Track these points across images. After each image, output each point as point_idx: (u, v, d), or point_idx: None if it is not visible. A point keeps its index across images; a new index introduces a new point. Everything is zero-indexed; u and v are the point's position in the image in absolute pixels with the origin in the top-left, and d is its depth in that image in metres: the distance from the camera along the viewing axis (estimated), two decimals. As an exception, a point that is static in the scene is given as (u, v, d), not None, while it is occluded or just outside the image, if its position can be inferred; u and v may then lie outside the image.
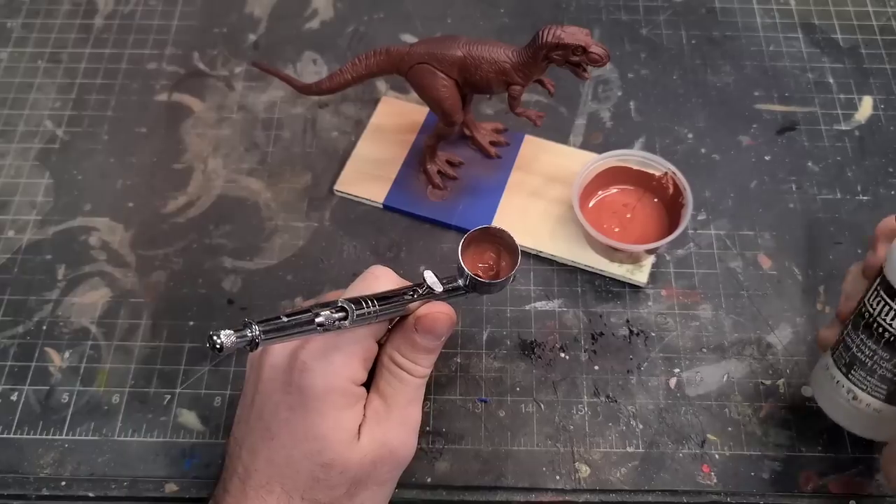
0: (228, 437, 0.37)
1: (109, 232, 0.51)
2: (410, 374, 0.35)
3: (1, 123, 0.56)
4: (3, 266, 0.50)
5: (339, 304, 0.31)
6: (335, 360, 0.33)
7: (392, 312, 0.34)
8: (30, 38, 0.61)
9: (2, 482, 0.42)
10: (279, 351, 0.34)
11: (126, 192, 0.53)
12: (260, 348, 0.28)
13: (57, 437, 0.44)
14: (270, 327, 0.28)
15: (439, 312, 0.35)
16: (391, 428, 0.34)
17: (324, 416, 0.33)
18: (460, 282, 0.36)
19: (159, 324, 0.47)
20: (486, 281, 0.36)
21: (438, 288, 0.35)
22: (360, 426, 0.34)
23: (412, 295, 0.34)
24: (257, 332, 0.27)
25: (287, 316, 0.29)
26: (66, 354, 0.46)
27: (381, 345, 0.36)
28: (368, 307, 0.32)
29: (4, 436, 0.44)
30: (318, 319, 0.30)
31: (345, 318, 0.31)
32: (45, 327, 0.47)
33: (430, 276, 0.35)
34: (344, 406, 0.33)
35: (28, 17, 0.62)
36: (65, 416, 0.44)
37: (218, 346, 0.26)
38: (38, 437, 0.44)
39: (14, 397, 0.45)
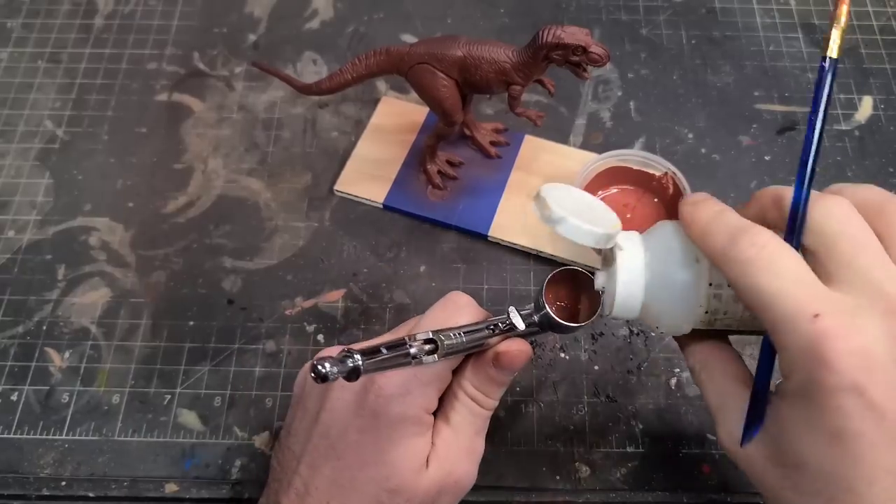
0: (276, 445, 0.36)
1: (109, 232, 0.51)
2: (481, 406, 0.35)
3: (1, 123, 0.56)
4: (3, 266, 0.50)
5: (431, 337, 0.31)
6: (413, 388, 0.33)
7: (474, 348, 0.34)
8: (30, 38, 0.61)
9: (2, 482, 0.42)
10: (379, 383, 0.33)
11: (126, 192, 0.53)
12: (361, 378, 0.27)
13: (57, 437, 0.44)
14: (372, 358, 0.28)
15: (519, 351, 0.34)
16: (458, 458, 0.34)
17: (395, 443, 0.32)
18: (536, 318, 0.35)
19: (159, 324, 0.47)
20: (567, 324, 0.35)
21: (521, 326, 0.34)
22: (428, 454, 0.34)
23: (493, 330, 0.34)
24: (360, 363, 0.27)
25: (386, 348, 0.29)
26: (66, 354, 0.46)
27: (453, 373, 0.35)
28: (456, 344, 0.32)
29: (4, 436, 0.44)
30: (411, 351, 0.30)
31: (434, 352, 0.31)
32: (45, 327, 0.47)
33: (514, 314, 0.35)
34: (415, 434, 0.33)
35: (28, 17, 0.62)
36: (65, 416, 0.44)
37: (324, 376, 0.26)
38: (38, 437, 0.44)
39: (14, 397, 0.45)
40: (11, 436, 0.44)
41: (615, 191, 0.51)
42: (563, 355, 0.46)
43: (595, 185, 0.50)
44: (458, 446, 0.34)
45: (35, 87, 0.58)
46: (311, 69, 0.59)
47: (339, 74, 0.47)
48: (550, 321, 0.34)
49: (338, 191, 0.52)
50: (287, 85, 0.50)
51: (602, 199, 0.50)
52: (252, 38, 0.61)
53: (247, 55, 0.60)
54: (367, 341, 0.31)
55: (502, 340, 0.34)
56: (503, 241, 0.50)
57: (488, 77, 0.44)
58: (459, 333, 0.32)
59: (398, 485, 0.32)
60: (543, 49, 0.42)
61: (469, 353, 0.34)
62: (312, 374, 0.26)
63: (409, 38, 0.60)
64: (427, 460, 0.33)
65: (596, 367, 0.46)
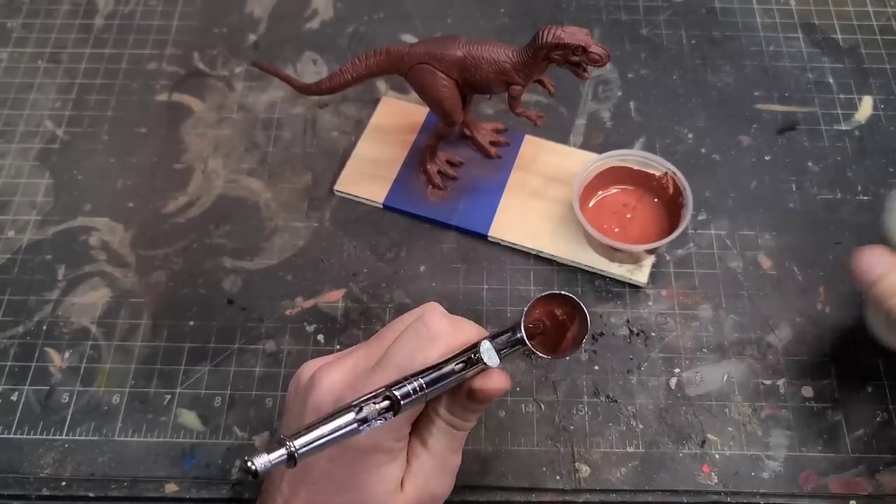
0: None
1: (109, 232, 0.51)
2: (457, 430, 0.35)
3: (1, 123, 0.56)
4: (3, 266, 0.50)
5: (388, 394, 0.29)
6: (385, 422, 0.31)
7: (442, 390, 0.32)
8: (30, 38, 0.61)
9: (2, 482, 0.42)
10: (325, 396, 0.33)
11: (126, 192, 0.53)
12: (299, 462, 0.26)
13: (57, 437, 0.44)
14: (307, 440, 0.26)
15: (496, 389, 0.33)
16: (435, 476, 0.34)
17: (368, 471, 0.32)
18: (513, 338, 0.33)
19: (159, 324, 0.47)
20: (541, 355, 0.34)
21: (495, 362, 0.32)
22: (402, 476, 0.34)
23: (464, 366, 0.32)
24: (294, 448, 0.26)
25: (326, 420, 0.27)
26: (67, 354, 0.46)
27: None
28: (417, 393, 0.30)
29: (4, 436, 0.44)
30: (360, 415, 0.28)
31: (389, 410, 0.29)
32: (45, 327, 0.47)
33: (486, 351, 0.32)
34: (387, 462, 0.33)
35: (28, 17, 0.62)
36: (65, 416, 0.44)
37: (254, 473, 0.25)
38: (38, 437, 0.44)
39: (14, 397, 0.45)
40: (11, 436, 0.44)
41: (615, 191, 0.50)
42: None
43: (595, 185, 0.50)
44: (435, 467, 0.34)
45: (35, 87, 0.58)
46: (311, 69, 0.59)
47: (339, 74, 0.47)
48: (525, 350, 0.33)
49: (338, 191, 0.52)
50: (287, 85, 0.50)
51: (602, 199, 0.50)
52: (252, 38, 0.61)
53: (247, 55, 0.60)
54: (308, 422, 0.28)
55: (478, 372, 0.33)
56: (503, 241, 0.50)
57: (488, 77, 0.44)
58: (421, 386, 0.30)
59: None
60: (543, 49, 0.42)
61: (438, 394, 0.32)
62: (242, 470, 0.25)
63: (409, 38, 0.60)
64: (402, 481, 0.33)
65: (596, 367, 0.46)
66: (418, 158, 0.52)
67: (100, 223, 0.52)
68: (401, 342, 0.33)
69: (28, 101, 0.58)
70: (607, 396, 0.45)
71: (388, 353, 0.33)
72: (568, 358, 0.34)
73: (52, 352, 0.47)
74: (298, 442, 0.26)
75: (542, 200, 0.51)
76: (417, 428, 0.35)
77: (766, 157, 0.53)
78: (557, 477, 0.42)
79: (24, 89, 0.58)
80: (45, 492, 0.42)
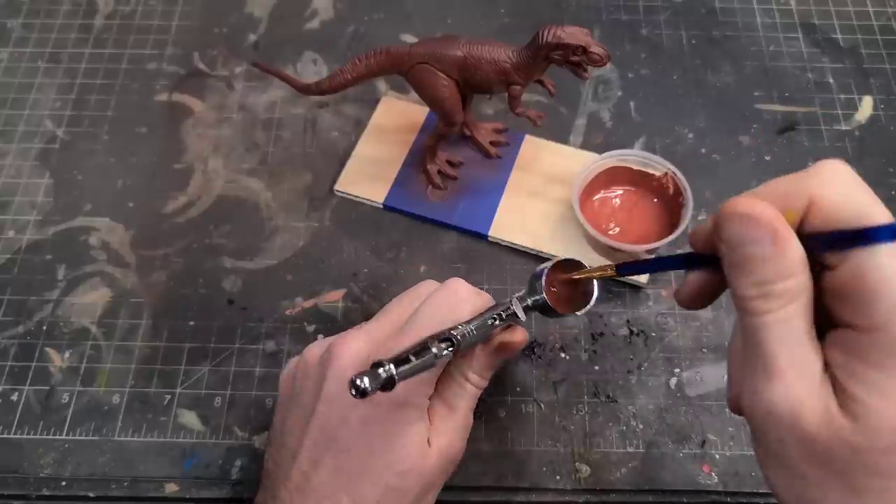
0: (268, 446, 0.37)
1: (109, 232, 0.51)
2: (476, 387, 0.37)
3: (1, 123, 0.56)
4: (3, 266, 0.50)
5: (449, 337, 0.32)
6: (413, 379, 0.33)
7: (481, 339, 0.35)
8: (30, 38, 0.61)
9: (2, 482, 0.42)
10: (349, 363, 0.34)
11: (126, 192, 0.53)
12: (396, 388, 0.28)
13: (57, 437, 0.44)
14: (405, 369, 0.29)
15: (522, 341, 0.37)
16: (454, 433, 0.36)
17: (401, 428, 0.33)
18: (530, 301, 0.36)
19: (159, 324, 0.47)
20: (560, 313, 0.37)
21: (523, 317, 0.36)
22: (428, 435, 0.35)
23: (496, 320, 0.35)
24: (394, 373, 0.28)
25: (414, 355, 0.30)
26: (67, 354, 0.46)
27: None
28: (469, 339, 0.33)
29: (4, 436, 0.44)
30: (434, 353, 0.30)
31: (451, 348, 0.32)
32: (45, 327, 0.47)
33: (516, 305, 0.36)
34: (418, 419, 0.34)
35: (28, 17, 0.62)
36: (65, 416, 0.44)
37: (363, 391, 0.27)
38: (38, 437, 0.44)
39: (14, 397, 0.45)
40: (11, 436, 0.44)
41: (615, 191, 0.50)
42: (563, 355, 0.46)
43: (595, 185, 0.50)
44: (456, 424, 0.36)
45: (35, 87, 0.58)
46: (311, 69, 0.59)
47: (339, 74, 0.47)
48: (545, 307, 0.36)
49: (338, 191, 0.52)
50: (287, 85, 0.50)
51: (602, 198, 0.50)
52: (252, 38, 0.61)
53: (247, 55, 0.60)
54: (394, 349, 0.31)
55: (503, 329, 0.36)
56: (503, 241, 0.50)
57: (488, 77, 0.44)
58: (472, 330, 0.33)
59: (409, 467, 0.33)
60: (543, 49, 0.42)
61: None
62: (352, 391, 0.26)
63: (409, 38, 0.60)
64: (428, 440, 0.35)
65: (596, 367, 0.46)
66: (418, 158, 0.52)
67: (100, 223, 0.52)
68: (432, 303, 0.35)
69: (28, 101, 0.58)
70: (607, 396, 0.45)
71: (419, 314, 0.35)
72: (582, 314, 0.38)
73: (52, 352, 0.47)
74: (395, 365, 0.28)
75: (542, 200, 0.51)
76: (438, 388, 0.36)
77: (767, 157, 0.53)
78: (557, 477, 0.42)
79: (24, 89, 0.58)
80: (45, 492, 0.42)
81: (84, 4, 0.63)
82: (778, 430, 0.24)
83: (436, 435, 0.35)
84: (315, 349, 0.36)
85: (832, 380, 0.23)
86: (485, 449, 0.43)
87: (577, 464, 0.43)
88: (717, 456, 0.42)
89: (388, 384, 0.28)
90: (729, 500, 0.41)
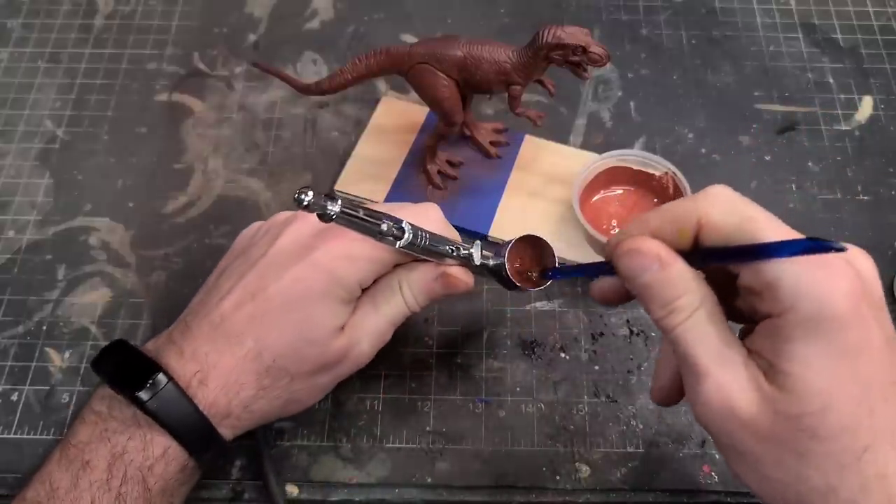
0: (200, 291, 0.39)
1: (109, 232, 0.51)
2: (406, 304, 0.38)
3: (1, 123, 0.56)
4: (3, 266, 0.50)
5: (402, 226, 0.33)
6: (359, 260, 0.35)
7: (428, 258, 0.37)
8: (30, 38, 0.61)
9: (2, 482, 0.42)
10: (307, 227, 0.36)
11: (126, 192, 0.53)
12: (330, 222, 0.29)
13: (57, 437, 0.44)
14: (349, 214, 0.30)
15: (464, 281, 0.38)
16: (369, 335, 0.37)
17: (324, 300, 0.35)
18: (491, 263, 0.38)
19: (159, 324, 0.47)
20: (514, 283, 0.38)
21: (477, 261, 0.37)
22: (345, 322, 0.37)
23: (452, 251, 0.37)
24: (337, 209, 0.29)
25: (365, 215, 0.31)
26: (67, 354, 0.46)
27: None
28: (419, 243, 0.34)
29: (4, 436, 0.44)
30: (382, 227, 0.32)
31: (397, 239, 0.33)
32: (45, 327, 0.47)
33: (476, 248, 0.38)
34: (343, 301, 0.36)
35: (28, 17, 0.62)
36: (65, 417, 0.44)
37: (305, 204, 0.28)
38: (38, 437, 0.44)
39: (14, 397, 0.45)
40: (11, 436, 0.44)
41: (615, 191, 0.50)
42: (563, 355, 0.46)
43: (595, 185, 0.50)
44: (373, 327, 0.37)
45: (35, 87, 0.58)
46: (311, 69, 0.59)
47: (339, 74, 0.47)
48: (502, 272, 0.37)
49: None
50: (287, 85, 0.50)
51: (602, 198, 0.50)
52: (252, 38, 0.61)
53: (247, 55, 0.60)
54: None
55: (455, 265, 0.37)
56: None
57: (488, 77, 0.44)
58: (427, 239, 0.34)
59: (316, 338, 0.35)
60: (543, 49, 0.42)
61: (422, 259, 0.37)
62: (294, 198, 0.28)
63: (409, 38, 0.60)
64: (344, 326, 0.36)
65: (596, 367, 0.46)
66: (418, 158, 0.52)
67: (100, 223, 0.52)
68: (402, 207, 0.37)
69: (28, 101, 0.58)
70: (607, 396, 0.45)
71: (387, 208, 0.35)
72: (534, 291, 0.40)
73: (52, 352, 0.47)
74: (342, 205, 0.29)
75: (542, 200, 0.51)
76: (371, 289, 0.38)
77: (766, 157, 0.53)
78: (557, 477, 0.42)
79: (24, 89, 0.58)
80: (45, 492, 0.42)
81: (84, 4, 0.63)
82: (722, 422, 0.27)
83: (351, 326, 0.36)
84: (285, 214, 0.39)
85: (766, 367, 0.26)
86: (485, 449, 0.43)
87: (577, 464, 0.43)
88: (717, 456, 0.42)
89: (325, 215, 0.29)
90: (729, 500, 0.41)
